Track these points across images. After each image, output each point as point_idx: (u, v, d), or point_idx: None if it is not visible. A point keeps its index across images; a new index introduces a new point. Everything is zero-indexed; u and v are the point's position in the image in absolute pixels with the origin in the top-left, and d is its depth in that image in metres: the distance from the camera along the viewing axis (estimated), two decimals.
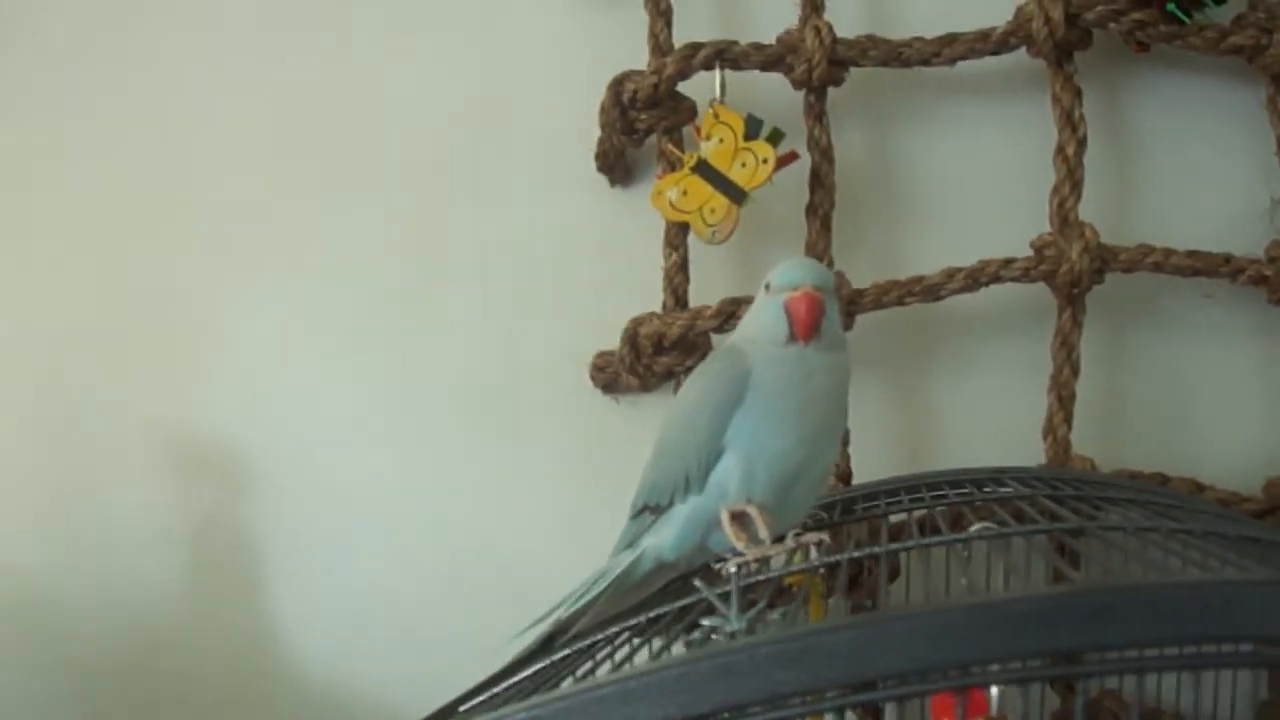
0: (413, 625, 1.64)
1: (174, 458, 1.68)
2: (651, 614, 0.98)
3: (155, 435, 1.69)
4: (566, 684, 0.92)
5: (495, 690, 0.97)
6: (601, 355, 1.59)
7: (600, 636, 1.00)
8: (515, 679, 0.98)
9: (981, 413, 1.58)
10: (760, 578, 0.99)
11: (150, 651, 1.67)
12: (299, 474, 1.67)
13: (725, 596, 0.86)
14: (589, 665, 0.96)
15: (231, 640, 1.67)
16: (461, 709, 0.96)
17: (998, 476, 1.34)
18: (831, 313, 1.11)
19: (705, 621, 0.80)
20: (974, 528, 1.00)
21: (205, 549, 1.68)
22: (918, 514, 1.24)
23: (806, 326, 1.08)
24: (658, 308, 1.55)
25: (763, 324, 1.11)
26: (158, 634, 1.67)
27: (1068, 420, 1.49)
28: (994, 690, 0.75)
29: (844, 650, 0.57)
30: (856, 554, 0.96)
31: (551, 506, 1.63)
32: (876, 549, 0.95)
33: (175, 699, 1.66)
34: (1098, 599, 0.56)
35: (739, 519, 1.07)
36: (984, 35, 1.51)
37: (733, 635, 0.78)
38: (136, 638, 1.67)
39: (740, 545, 1.05)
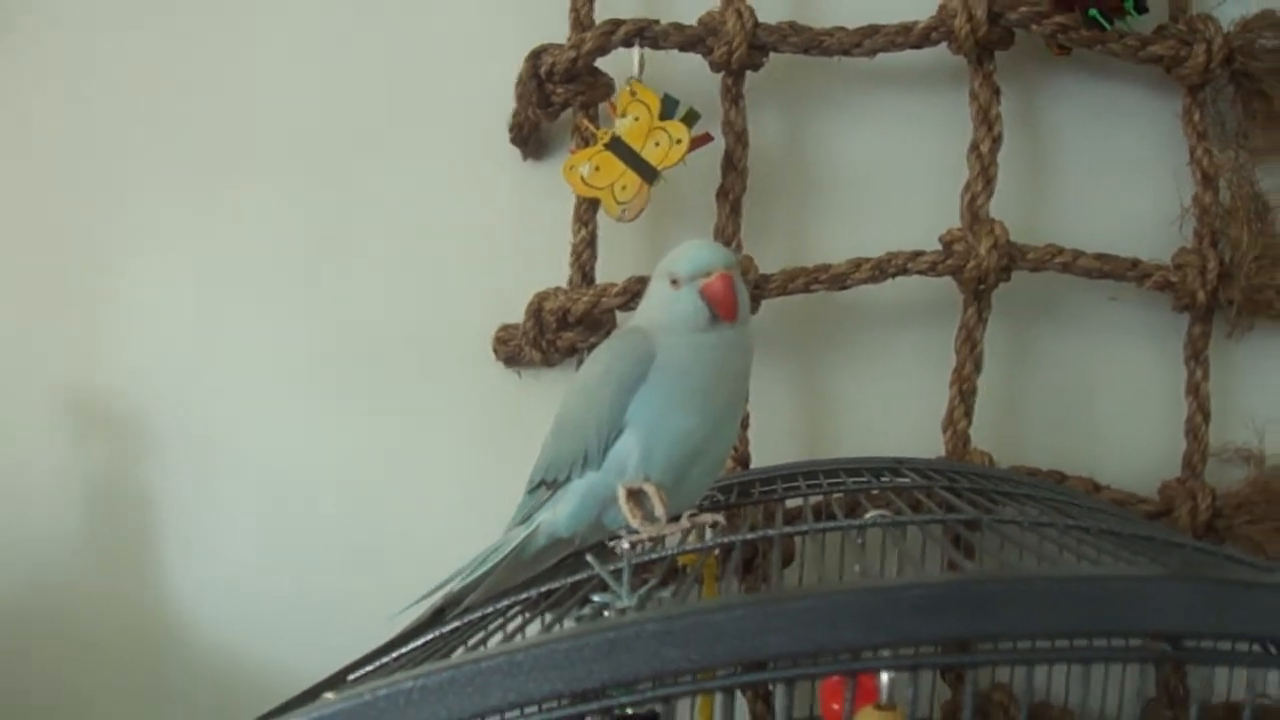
0: (307, 590, 1.62)
1: (71, 415, 1.65)
2: (543, 588, 0.97)
3: (53, 392, 1.65)
4: (457, 655, 0.91)
5: (384, 660, 0.96)
6: (505, 328, 1.58)
7: (491, 609, 0.99)
8: (405, 649, 0.97)
9: (882, 403, 1.58)
10: (654, 556, 0.98)
11: (41, 609, 1.64)
12: (197, 435, 1.64)
13: (617, 573, 0.85)
14: (479, 637, 0.96)
15: (124, 599, 1.64)
16: (350, 678, 0.94)
17: (896, 467, 1.35)
18: (742, 289, 1.11)
19: (596, 598, 0.79)
20: (869, 515, 1.00)
21: (100, 507, 1.65)
22: (814, 500, 1.24)
23: (730, 307, 1.08)
24: (564, 283, 1.54)
25: (677, 314, 1.10)
26: (49, 591, 1.64)
27: (968, 414, 1.51)
28: (884, 677, 0.75)
29: (732, 629, 0.56)
30: (750, 536, 0.95)
31: (450, 477, 1.62)
32: (770, 532, 0.95)
33: (66, 657, 1.64)
34: (990, 588, 0.55)
35: (635, 496, 1.06)
36: (906, 29, 1.51)
37: (623, 612, 0.77)
38: (27, 593, 1.64)
39: (635, 523, 1.05)
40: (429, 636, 0.98)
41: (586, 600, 0.83)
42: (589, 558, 0.88)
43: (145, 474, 1.65)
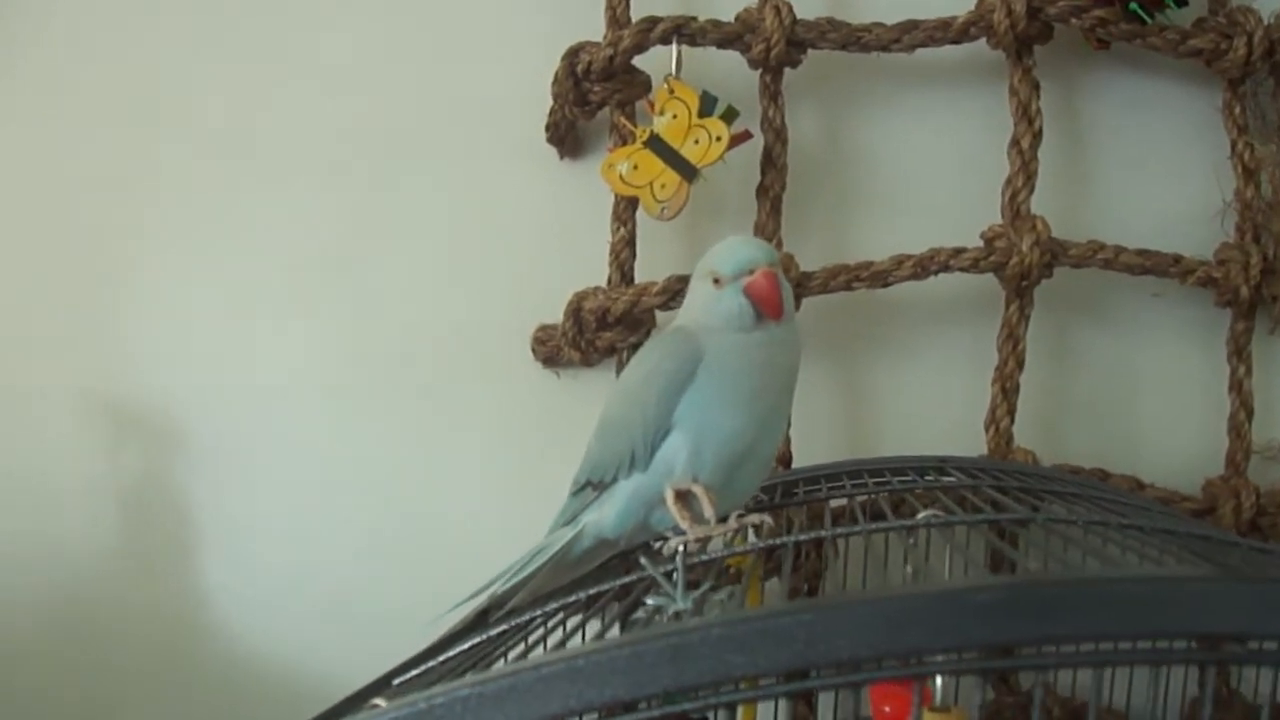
0: (346, 595, 1.61)
1: (105, 422, 1.65)
2: (591, 591, 0.97)
3: (87, 399, 1.65)
4: (501, 663, 0.90)
5: (429, 665, 0.95)
6: (544, 328, 1.58)
7: (538, 613, 0.99)
8: (449, 654, 0.96)
9: (924, 402, 1.58)
10: (703, 558, 0.97)
11: (77, 613, 1.64)
12: (231, 440, 1.64)
13: (670, 575, 0.85)
14: (526, 643, 0.95)
15: (160, 604, 1.64)
16: (394, 683, 0.94)
17: (940, 466, 1.33)
18: (785, 285, 1.10)
19: (650, 600, 0.79)
20: (921, 514, 0.99)
21: (134, 514, 1.64)
22: (860, 499, 1.23)
23: (776, 305, 1.07)
24: (603, 282, 1.53)
25: (722, 314, 1.08)
26: (85, 596, 1.63)
27: (1010, 413, 1.50)
28: (939, 680, 0.74)
29: (799, 634, 0.55)
30: (804, 537, 0.95)
31: (489, 479, 1.62)
32: (823, 533, 0.94)
33: (100, 664, 1.63)
34: (1057, 590, 0.54)
35: (683, 498, 1.05)
36: (944, 24, 1.50)
37: (678, 615, 0.77)
38: (63, 599, 1.63)
39: (684, 524, 1.04)
40: (475, 640, 0.97)
41: (638, 603, 0.83)
42: (643, 559, 0.87)
43: (179, 480, 1.65)
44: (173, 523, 1.64)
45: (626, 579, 0.95)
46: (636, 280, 1.53)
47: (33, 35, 1.69)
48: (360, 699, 0.90)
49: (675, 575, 0.84)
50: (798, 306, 1.45)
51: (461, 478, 1.62)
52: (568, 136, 1.59)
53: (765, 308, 1.07)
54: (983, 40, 1.51)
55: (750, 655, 0.55)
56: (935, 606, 0.55)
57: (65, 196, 1.68)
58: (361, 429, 1.64)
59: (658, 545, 1.09)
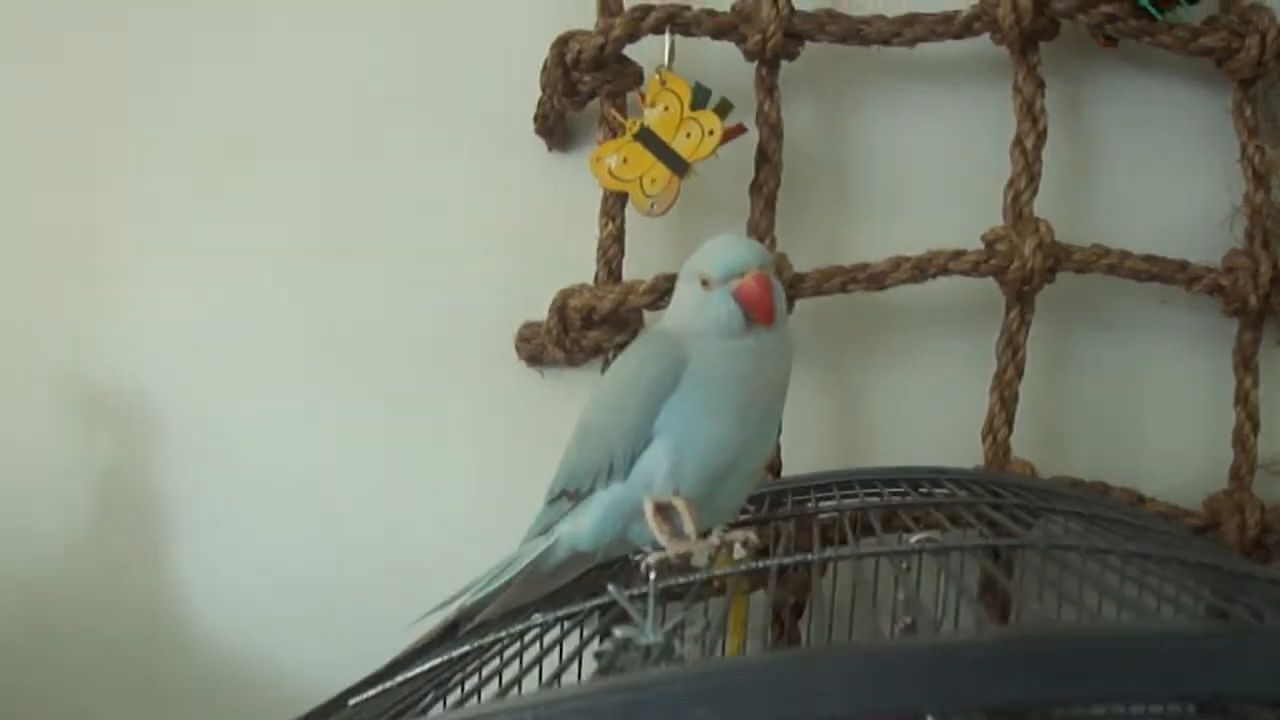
0: (319, 592, 1.57)
1: (78, 410, 1.61)
2: (562, 612, 0.92)
3: (60, 387, 1.61)
4: (458, 692, 0.85)
5: (387, 685, 0.91)
6: (528, 326, 1.54)
7: (502, 634, 0.94)
8: (409, 674, 0.92)
9: (920, 409, 1.54)
10: (682, 580, 0.92)
11: (48, 605, 1.60)
12: (207, 432, 1.60)
13: (642, 601, 0.79)
14: (491, 666, 0.90)
15: (133, 596, 1.60)
16: (350, 703, 0.89)
17: (935, 477, 1.30)
18: (778, 289, 1.05)
19: (618, 632, 0.74)
20: (915, 538, 0.94)
21: (107, 504, 1.61)
22: (849, 512, 1.19)
23: (767, 310, 1.02)
24: (590, 279, 1.50)
25: (710, 318, 1.04)
26: (53, 589, 1.60)
27: (1009, 422, 1.46)
28: None
29: (773, 690, 0.50)
30: (786, 560, 0.90)
31: (469, 478, 1.58)
32: (809, 557, 0.89)
33: (70, 655, 1.60)
34: (1066, 647, 0.49)
35: (663, 511, 1.01)
36: (947, 18, 1.47)
37: (647, 651, 0.72)
38: (33, 589, 1.60)
39: (663, 539, 1.00)
40: (436, 661, 0.92)
41: (608, 632, 0.77)
42: (611, 588, 0.82)
43: (153, 471, 1.60)
44: (145, 516, 1.60)
45: (598, 601, 0.90)
46: (625, 278, 1.49)
47: (6, 21, 1.65)
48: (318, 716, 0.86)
49: (647, 603, 0.78)
50: (791, 308, 1.43)
51: (441, 477, 1.58)
52: (556, 128, 1.55)
53: (756, 313, 1.02)
54: (986, 36, 1.48)
55: (717, 712, 0.50)
56: (928, 662, 0.50)
57: (35, 186, 1.64)
58: (338, 424, 1.60)
59: (636, 559, 1.05)
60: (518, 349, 1.55)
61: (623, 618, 0.77)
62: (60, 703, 1.60)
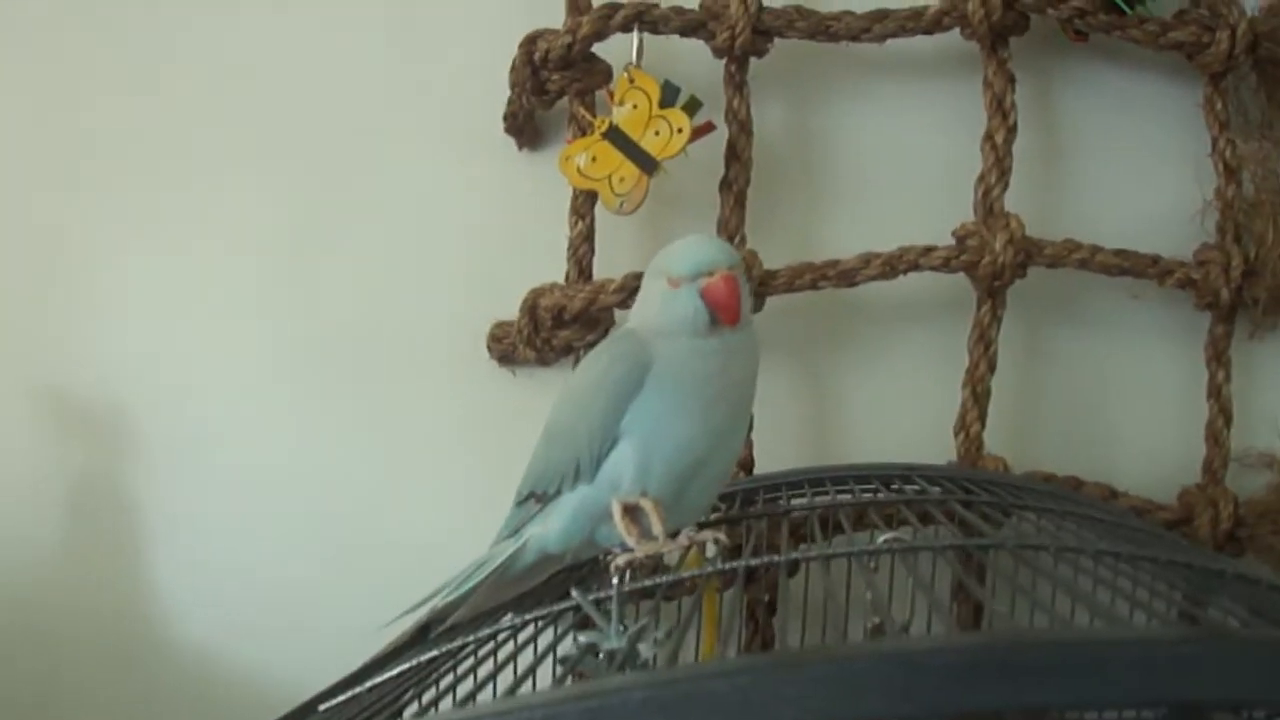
0: (294, 596, 1.57)
1: (51, 416, 1.61)
2: (529, 615, 0.91)
3: (32, 392, 1.60)
4: (431, 691, 0.85)
5: (356, 691, 0.90)
6: (500, 325, 1.53)
7: (472, 638, 0.93)
8: (378, 679, 0.91)
9: (892, 405, 1.54)
10: (649, 582, 0.91)
11: (22, 612, 1.59)
12: (179, 436, 1.59)
13: (605, 605, 0.79)
14: (458, 671, 0.89)
15: (107, 602, 1.59)
16: (321, 708, 0.89)
17: (906, 474, 1.30)
18: (745, 290, 1.05)
19: (582, 637, 0.73)
20: (882, 538, 0.94)
21: (80, 509, 1.60)
22: (820, 510, 1.18)
23: (733, 311, 1.01)
24: (560, 278, 1.49)
25: (674, 318, 1.02)
26: (31, 594, 1.59)
27: (981, 418, 1.46)
28: None
29: (736, 698, 0.49)
30: (754, 562, 0.89)
31: (441, 479, 1.57)
32: (776, 558, 0.88)
33: (43, 662, 1.59)
34: (1035, 654, 0.49)
35: (631, 512, 1.00)
36: (917, 13, 1.47)
37: (611, 655, 0.71)
38: (7, 597, 1.58)
39: (631, 541, 0.99)
40: (405, 665, 0.92)
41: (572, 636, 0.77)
42: (574, 592, 0.81)
43: (125, 475, 1.60)
44: (119, 522, 1.59)
45: (566, 604, 0.89)
46: (595, 277, 1.49)
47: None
48: None
49: (611, 607, 0.77)
50: (762, 306, 1.43)
51: (413, 477, 1.58)
52: (526, 127, 1.55)
53: (722, 314, 1.01)
54: (956, 31, 1.47)
55: None
56: (895, 669, 0.49)
57: (8, 190, 1.63)
58: (311, 426, 1.59)
59: (605, 559, 1.04)
60: (489, 348, 1.54)
61: (588, 622, 0.76)
62: (35, 709, 1.59)
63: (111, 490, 1.59)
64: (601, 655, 0.72)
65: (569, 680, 0.72)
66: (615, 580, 0.88)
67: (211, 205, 1.60)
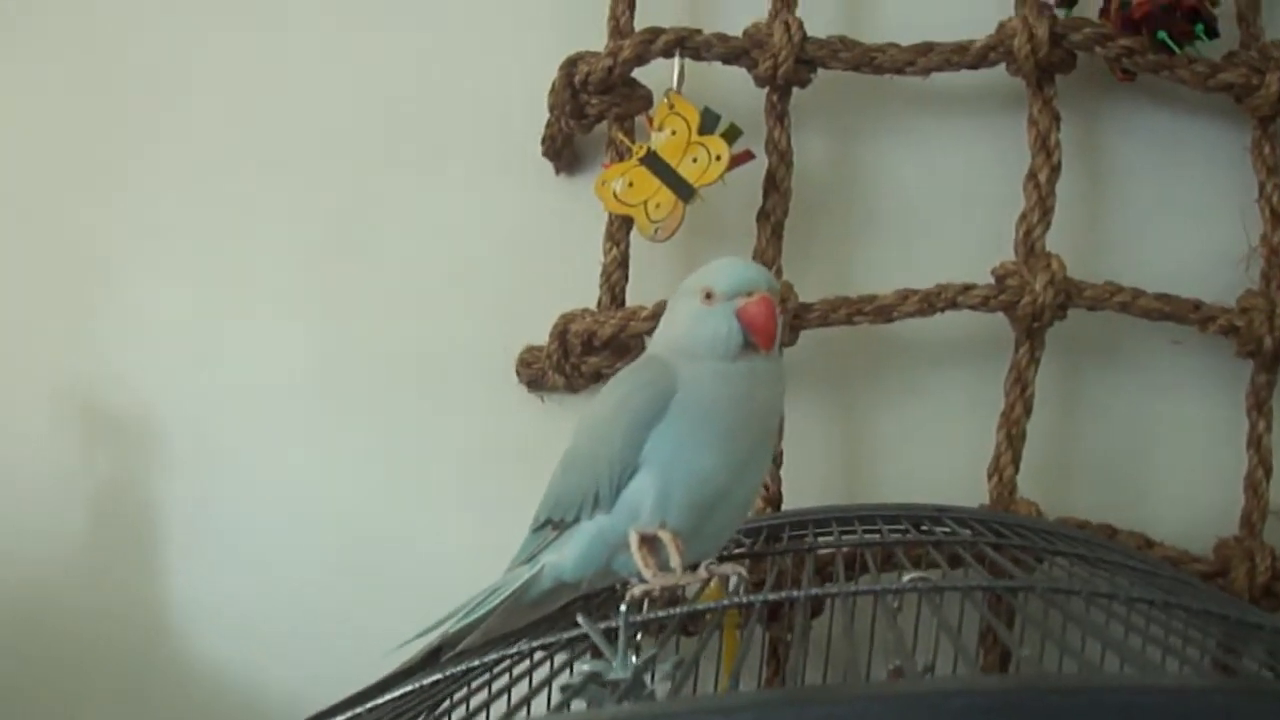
0: (313, 611, 1.56)
1: (79, 420, 1.62)
2: (538, 642, 0.89)
3: (60, 397, 1.62)
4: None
5: (356, 711, 0.88)
6: (531, 350, 1.52)
7: (478, 663, 0.91)
8: (379, 700, 0.89)
9: (925, 445, 1.52)
10: (663, 613, 0.89)
11: (43, 612, 1.60)
12: (203, 446, 1.60)
13: (612, 634, 0.76)
14: (461, 694, 0.88)
15: (127, 609, 1.59)
16: None
17: (936, 516, 1.27)
18: (779, 316, 1.02)
19: (587, 666, 0.71)
20: (907, 577, 0.91)
21: (103, 515, 1.61)
22: (846, 548, 1.16)
23: (770, 335, 0.99)
24: (593, 304, 1.48)
25: (705, 336, 1.00)
26: (51, 595, 1.60)
27: (1015, 461, 1.44)
28: None
29: None
30: (774, 597, 0.86)
31: (465, 502, 1.56)
32: (796, 594, 0.86)
33: (61, 665, 1.59)
34: (1054, 700, 0.46)
35: (649, 543, 0.98)
36: (962, 48, 1.45)
37: (615, 685, 0.69)
38: (29, 597, 1.60)
39: (648, 573, 0.97)
40: (408, 688, 0.90)
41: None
42: (580, 618, 0.79)
43: (150, 483, 1.61)
44: (141, 529, 1.60)
45: (575, 632, 0.87)
46: (628, 303, 1.47)
47: (8, 27, 1.67)
48: None
49: (619, 636, 0.75)
50: (795, 339, 1.42)
51: (436, 500, 1.57)
52: (564, 150, 1.54)
53: (758, 336, 0.99)
54: (1002, 67, 1.46)
55: None
56: (907, 710, 0.47)
57: (40, 194, 1.65)
58: (338, 443, 1.59)
59: (622, 589, 1.02)
60: (519, 373, 1.53)
61: (599, 651, 0.74)
62: (53, 712, 1.59)
63: (135, 497, 1.60)
64: (606, 685, 0.69)
65: (569, 708, 0.70)
66: (623, 609, 0.86)
67: (245, 218, 1.61)
